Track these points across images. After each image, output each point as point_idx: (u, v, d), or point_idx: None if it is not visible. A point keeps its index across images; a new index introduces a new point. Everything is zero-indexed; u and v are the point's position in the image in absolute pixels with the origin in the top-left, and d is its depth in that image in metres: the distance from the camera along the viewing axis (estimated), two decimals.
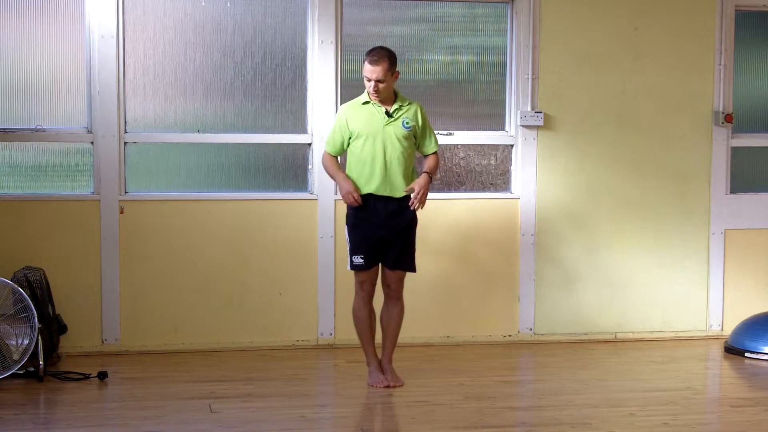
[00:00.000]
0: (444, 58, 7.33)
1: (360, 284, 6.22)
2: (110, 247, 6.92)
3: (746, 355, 7.05)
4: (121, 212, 6.92)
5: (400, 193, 6.14)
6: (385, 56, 6.07)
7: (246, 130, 7.10)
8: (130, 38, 6.92)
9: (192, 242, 7.00)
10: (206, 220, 7.02)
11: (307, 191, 7.16)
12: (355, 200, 6.07)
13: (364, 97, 6.19)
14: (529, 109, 7.30)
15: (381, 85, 6.06)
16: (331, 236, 7.12)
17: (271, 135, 7.12)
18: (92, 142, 6.90)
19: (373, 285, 6.24)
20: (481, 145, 7.36)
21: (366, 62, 6.08)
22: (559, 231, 7.41)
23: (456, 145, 7.33)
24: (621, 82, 7.41)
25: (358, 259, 6.17)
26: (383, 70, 6.04)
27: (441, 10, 7.30)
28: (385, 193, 6.12)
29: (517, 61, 7.30)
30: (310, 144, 7.12)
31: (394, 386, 6.17)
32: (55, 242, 6.87)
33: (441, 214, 7.26)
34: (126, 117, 6.93)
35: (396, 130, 6.12)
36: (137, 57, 6.94)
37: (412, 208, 6.11)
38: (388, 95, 6.14)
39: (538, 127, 7.32)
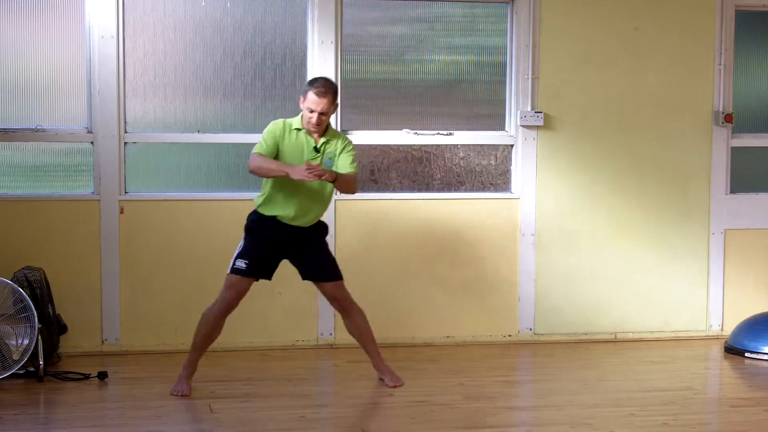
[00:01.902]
0: (444, 58, 7.33)
1: (226, 289, 6.00)
2: (110, 247, 6.92)
3: (746, 355, 7.05)
4: (121, 212, 6.93)
5: (309, 224, 6.05)
6: (330, 88, 5.92)
7: (246, 130, 7.10)
8: (130, 38, 6.92)
9: (192, 242, 7.00)
10: (206, 220, 7.02)
11: None
12: (315, 170, 5.70)
13: (296, 122, 6.00)
14: (529, 109, 7.31)
15: (323, 118, 5.93)
16: (331, 236, 7.12)
17: None
18: (92, 142, 6.90)
19: (238, 298, 6.01)
20: (481, 145, 7.37)
21: (311, 93, 5.88)
22: (559, 231, 7.41)
23: (456, 145, 7.33)
24: (621, 82, 7.42)
25: (241, 263, 5.98)
26: (328, 102, 5.90)
27: (441, 10, 7.30)
28: (294, 224, 6.01)
29: (517, 61, 7.30)
30: None
31: (394, 386, 6.17)
32: (55, 242, 6.88)
33: (441, 214, 7.27)
34: (126, 117, 6.94)
35: (320, 164, 5.95)
36: (137, 57, 6.95)
37: (309, 172, 5.70)
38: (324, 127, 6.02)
39: (538, 127, 7.33)
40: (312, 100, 5.89)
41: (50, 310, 6.58)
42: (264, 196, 6.05)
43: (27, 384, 6.19)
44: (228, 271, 6.05)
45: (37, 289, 6.46)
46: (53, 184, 6.96)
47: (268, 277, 6.12)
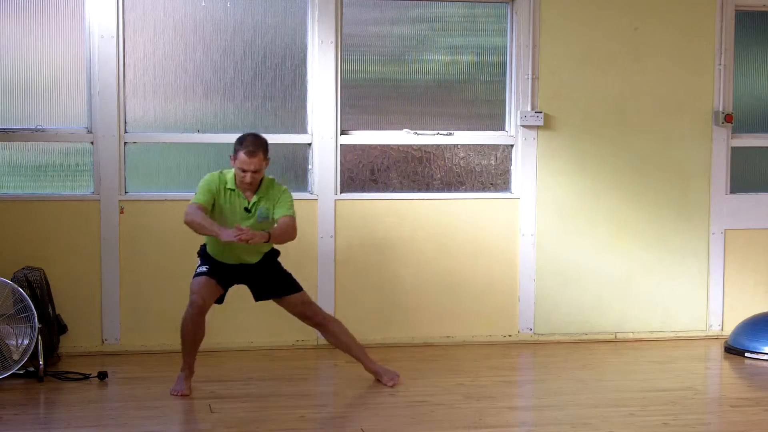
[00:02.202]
0: (444, 58, 7.33)
1: (192, 293, 5.95)
2: (110, 247, 6.92)
3: (746, 355, 7.04)
4: (121, 212, 6.93)
5: (254, 261, 6.05)
6: (260, 146, 5.88)
7: (246, 130, 7.07)
8: (130, 38, 6.92)
9: (192, 242, 6.98)
10: None
11: (307, 191, 7.16)
12: (244, 235, 5.68)
13: (230, 181, 5.96)
14: (529, 109, 7.30)
15: (256, 175, 5.90)
16: (331, 236, 7.13)
17: (271, 135, 7.08)
18: (92, 142, 6.90)
19: (205, 300, 5.95)
20: (481, 145, 7.37)
21: (241, 153, 5.83)
22: (559, 231, 7.41)
23: (456, 145, 7.33)
24: (621, 82, 7.42)
25: (202, 268, 6.02)
26: (259, 160, 5.87)
27: (441, 10, 7.30)
28: (236, 262, 6.04)
29: (517, 61, 7.30)
30: (310, 144, 7.12)
31: (393, 385, 6.17)
32: (55, 242, 6.88)
33: (441, 214, 7.27)
34: (126, 117, 6.94)
35: (251, 224, 5.94)
36: (137, 57, 6.95)
37: (237, 236, 5.71)
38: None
39: (538, 127, 7.33)
40: (243, 161, 5.86)
41: (50, 310, 6.58)
42: (206, 241, 6.10)
43: (27, 384, 6.19)
44: (192, 278, 6.05)
45: (37, 289, 6.46)
46: (53, 184, 6.96)
47: (224, 288, 6.08)
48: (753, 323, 7.19)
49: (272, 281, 6.12)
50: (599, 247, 7.46)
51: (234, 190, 5.96)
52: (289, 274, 6.18)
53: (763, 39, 7.71)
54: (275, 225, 5.97)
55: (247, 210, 5.97)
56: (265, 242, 5.85)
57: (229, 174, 5.99)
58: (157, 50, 6.98)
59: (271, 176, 6.12)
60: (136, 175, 7.00)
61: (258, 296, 6.20)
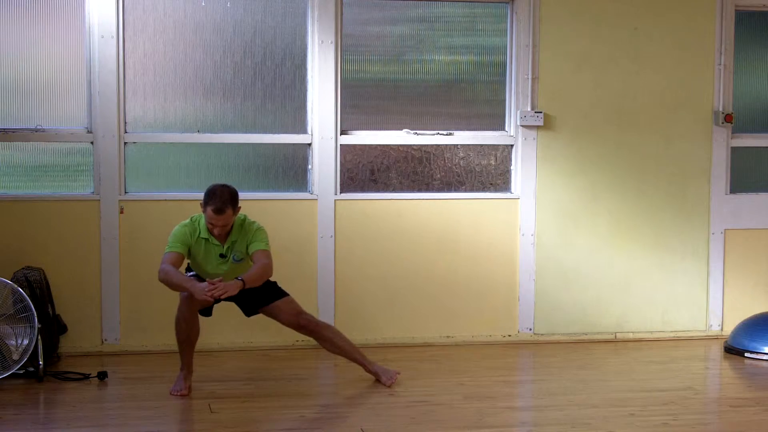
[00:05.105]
0: (444, 58, 7.33)
1: (181, 292, 5.99)
2: (110, 247, 6.92)
3: (746, 355, 7.05)
4: (121, 212, 6.93)
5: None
6: (228, 203, 5.86)
7: (246, 130, 7.10)
8: (130, 38, 6.92)
9: None
10: None
11: (307, 191, 7.17)
12: (217, 291, 5.73)
13: (203, 229, 5.98)
14: (529, 109, 7.31)
15: (225, 228, 5.94)
16: (331, 236, 7.13)
17: (271, 135, 7.13)
18: (92, 142, 6.90)
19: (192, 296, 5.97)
20: (481, 145, 7.37)
21: (209, 210, 5.84)
22: (559, 231, 7.41)
23: (456, 145, 7.33)
24: (621, 82, 7.42)
25: (191, 274, 6.07)
26: (227, 217, 5.89)
27: (441, 10, 7.30)
28: None
29: (517, 61, 7.30)
30: (310, 144, 7.13)
31: (391, 384, 6.17)
32: (55, 242, 6.88)
33: (441, 214, 7.27)
34: (126, 117, 6.94)
35: (229, 266, 6.01)
36: (137, 57, 6.95)
37: (209, 293, 5.76)
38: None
39: (538, 127, 7.33)
40: (211, 217, 5.89)
41: (50, 310, 6.59)
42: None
43: (27, 384, 6.19)
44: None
45: (37, 289, 6.46)
46: (53, 184, 6.96)
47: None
48: (753, 323, 7.19)
49: (257, 292, 6.08)
50: (599, 247, 7.46)
51: (207, 239, 5.99)
52: (273, 282, 6.18)
53: (763, 39, 7.71)
54: (251, 262, 6.00)
55: (222, 256, 6.01)
56: (240, 289, 5.82)
57: (202, 221, 6.00)
58: (157, 50, 6.98)
59: (242, 215, 6.07)
60: (136, 175, 7.00)
61: (247, 311, 6.22)
